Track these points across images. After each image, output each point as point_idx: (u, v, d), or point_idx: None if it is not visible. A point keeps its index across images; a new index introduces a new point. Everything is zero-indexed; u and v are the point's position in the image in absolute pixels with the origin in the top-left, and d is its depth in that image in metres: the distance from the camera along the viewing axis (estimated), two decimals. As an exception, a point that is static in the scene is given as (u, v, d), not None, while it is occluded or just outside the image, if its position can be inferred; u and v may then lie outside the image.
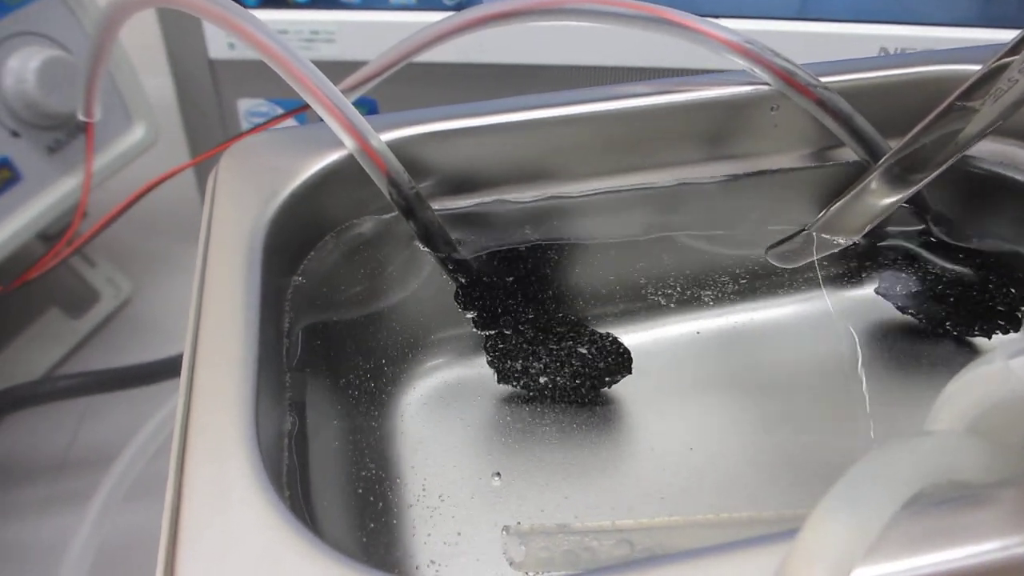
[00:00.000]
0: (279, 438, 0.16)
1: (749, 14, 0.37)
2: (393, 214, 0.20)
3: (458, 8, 0.38)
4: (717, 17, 0.37)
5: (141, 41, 0.41)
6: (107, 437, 0.37)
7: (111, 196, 0.37)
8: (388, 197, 0.20)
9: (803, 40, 0.37)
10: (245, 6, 0.39)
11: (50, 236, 0.38)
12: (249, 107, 0.42)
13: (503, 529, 0.17)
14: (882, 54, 0.36)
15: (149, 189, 0.28)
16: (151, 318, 0.44)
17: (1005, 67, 0.19)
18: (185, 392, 0.15)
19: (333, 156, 0.20)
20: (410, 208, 0.20)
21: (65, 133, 0.36)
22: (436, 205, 0.21)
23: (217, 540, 0.12)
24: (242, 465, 0.13)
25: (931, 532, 0.12)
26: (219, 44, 0.40)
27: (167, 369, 0.36)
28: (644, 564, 0.12)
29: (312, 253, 0.19)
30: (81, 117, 0.31)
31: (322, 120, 0.20)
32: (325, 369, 0.19)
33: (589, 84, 0.23)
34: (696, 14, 0.23)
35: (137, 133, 0.39)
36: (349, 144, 0.20)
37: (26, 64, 0.34)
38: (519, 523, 0.17)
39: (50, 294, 0.41)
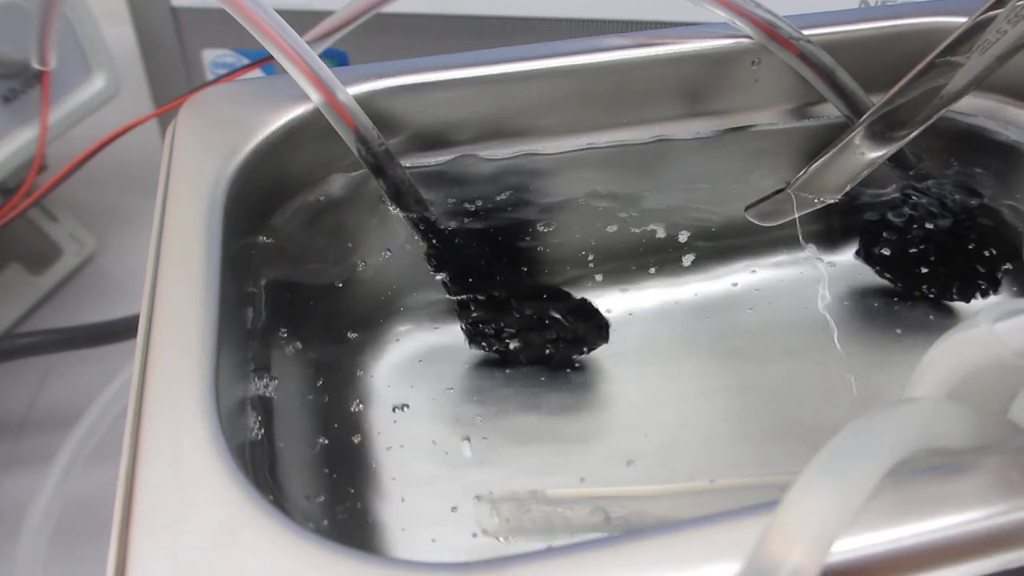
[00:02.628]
0: (242, 404, 0.15)
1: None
2: (362, 171, 0.19)
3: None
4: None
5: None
6: (70, 397, 0.36)
7: (72, 148, 0.36)
8: (356, 154, 0.19)
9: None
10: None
11: (8, 190, 0.37)
12: (214, 57, 0.40)
13: (475, 497, 0.17)
14: (864, 5, 0.35)
15: (110, 140, 0.27)
16: (115, 275, 0.42)
17: (992, 19, 0.18)
18: (141, 357, 0.14)
19: (299, 110, 0.19)
20: (379, 166, 0.19)
21: (20, 82, 0.35)
22: (407, 162, 0.20)
23: (172, 510, 0.12)
24: (200, 433, 0.13)
25: (913, 502, 0.12)
26: (182, -4, 0.38)
27: (132, 327, 0.36)
28: (619, 540, 0.11)
29: (277, 212, 0.19)
30: (35, 65, 0.30)
31: (287, 72, 0.19)
32: (291, 334, 0.18)
33: (568, 37, 0.22)
34: None
35: (97, 83, 0.37)
36: (315, 97, 0.19)
37: (-26, 9, 0.32)
38: (491, 492, 0.16)
39: (10, 249, 0.40)
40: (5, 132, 0.34)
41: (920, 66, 0.20)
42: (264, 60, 0.36)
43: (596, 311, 0.21)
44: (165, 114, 0.42)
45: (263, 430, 0.15)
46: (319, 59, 0.19)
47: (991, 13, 0.18)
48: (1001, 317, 0.13)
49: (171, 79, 0.41)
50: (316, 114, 0.19)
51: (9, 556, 0.29)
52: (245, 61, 0.40)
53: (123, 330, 0.36)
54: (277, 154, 0.19)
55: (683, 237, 0.23)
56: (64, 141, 0.37)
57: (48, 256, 0.41)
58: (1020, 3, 0.18)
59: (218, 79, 0.31)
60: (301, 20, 0.21)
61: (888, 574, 0.11)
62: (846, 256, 0.24)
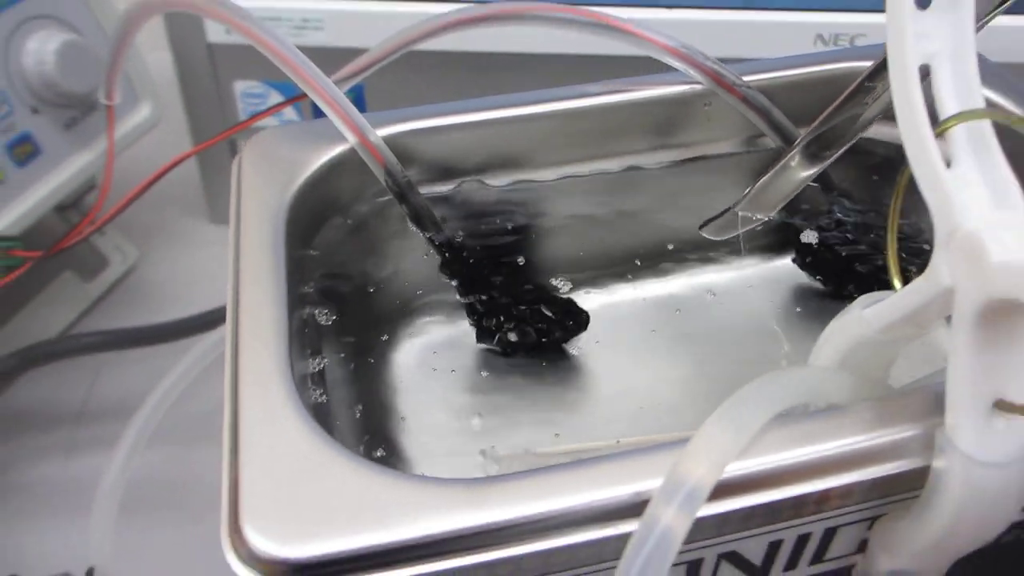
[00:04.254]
0: (304, 377, 0.20)
1: (700, 5, 0.41)
2: (388, 198, 0.24)
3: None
4: (671, 8, 0.41)
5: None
6: (120, 392, 0.41)
7: (118, 170, 0.41)
8: (384, 184, 0.24)
9: (748, 28, 0.41)
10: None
11: (64, 206, 0.42)
12: (244, 88, 0.45)
13: (480, 452, 0.22)
14: (818, 42, 0.40)
15: (168, 169, 0.31)
16: (156, 282, 0.47)
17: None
18: (232, 339, 0.19)
19: (338, 149, 0.24)
20: (402, 193, 0.24)
21: (80, 111, 0.40)
22: (423, 190, 0.25)
23: (268, 447, 0.16)
24: (283, 394, 0.17)
25: (797, 434, 0.17)
26: (217, 29, 0.43)
27: (175, 331, 0.40)
28: (584, 464, 0.16)
29: (323, 230, 0.23)
30: (103, 100, 0.35)
31: (325, 115, 0.24)
32: (335, 325, 0.23)
33: (560, 70, 0.26)
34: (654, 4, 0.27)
35: (144, 112, 0.42)
36: (351, 139, 0.23)
37: (45, 46, 0.37)
38: (493, 447, 0.21)
39: (64, 259, 0.45)
40: (66, 156, 0.39)
41: (839, 99, 0.24)
42: (295, 99, 0.41)
43: (579, 308, 0.25)
44: (200, 136, 0.47)
45: (324, 396, 0.19)
46: (353, 107, 0.24)
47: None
48: (868, 304, 0.18)
49: (206, 107, 0.46)
50: (352, 152, 0.24)
51: (83, 528, 0.33)
52: (272, 91, 0.45)
53: (167, 333, 0.41)
54: (322, 184, 0.23)
55: (651, 249, 0.28)
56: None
57: (97, 266, 0.46)
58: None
59: (255, 116, 0.36)
60: (323, 57, 0.25)
61: (773, 486, 0.16)
62: (786, 262, 0.28)
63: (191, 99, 0.46)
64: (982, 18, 0.20)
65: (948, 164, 0.16)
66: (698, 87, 0.26)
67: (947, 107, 0.17)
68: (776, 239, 0.28)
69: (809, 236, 0.26)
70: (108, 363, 0.42)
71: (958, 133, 0.16)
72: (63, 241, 0.34)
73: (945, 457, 0.16)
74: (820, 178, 0.25)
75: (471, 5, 0.26)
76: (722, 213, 0.26)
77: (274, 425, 0.17)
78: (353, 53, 0.27)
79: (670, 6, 0.41)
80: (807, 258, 0.27)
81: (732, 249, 0.28)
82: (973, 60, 0.17)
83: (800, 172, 0.24)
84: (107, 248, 0.46)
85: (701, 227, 0.26)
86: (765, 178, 0.25)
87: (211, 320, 0.41)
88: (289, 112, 0.44)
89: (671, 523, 0.15)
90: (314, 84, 0.23)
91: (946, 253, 0.15)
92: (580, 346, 0.26)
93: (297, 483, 0.16)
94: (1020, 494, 0.16)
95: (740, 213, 0.25)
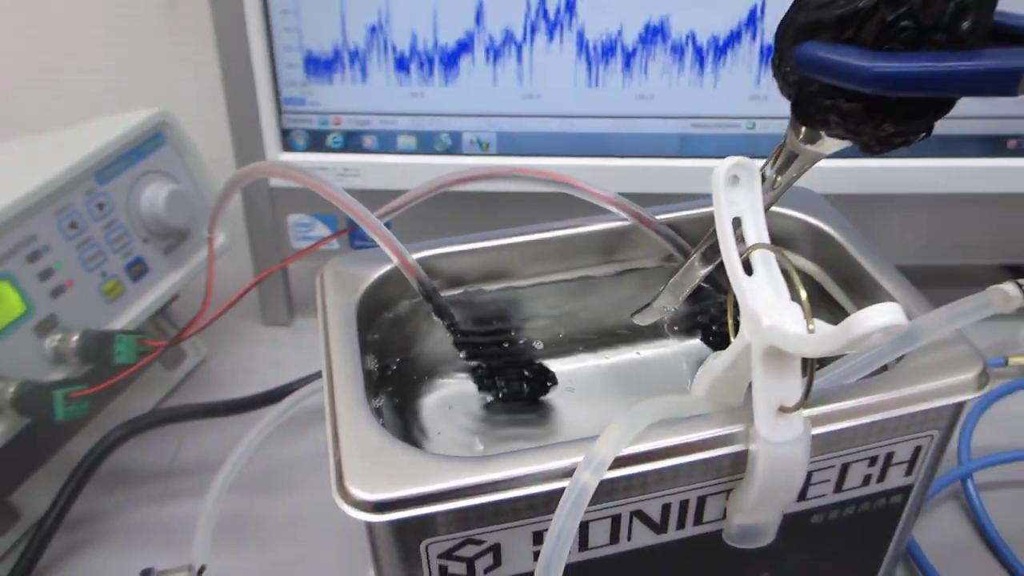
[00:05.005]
0: (373, 412, 0.31)
1: (644, 154, 0.54)
2: (419, 299, 0.36)
3: (450, 150, 0.55)
4: (623, 157, 0.54)
5: (219, 165, 0.56)
6: (201, 452, 0.52)
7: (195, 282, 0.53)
8: (417, 290, 0.36)
9: (680, 171, 0.54)
10: (295, 149, 0.55)
11: (156, 312, 0.54)
12: (295, 219, 0.58)
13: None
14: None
15: (253, 285, 0.44)
16: (221, 373, 0.59)
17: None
18: (328, 384, 0.30)
19: (385, 268, 0.36)
20: (429, 296, 0.36)
21: (175, 240, 0.52)
22: (443, 293, 0.37)
23: (354, 442, 0.28)
24: (362, 413, 0.29)
25: (666, 430, 0.28)
26: (279, 180, 0.56)
27: (243, 405, 0.52)
28: (549, 447, 0.27)
29: (378, 320, 0.35)
30: (205, 234, 0.47)
31: (375, 245, 0.36)
32: (387, 382, 0.34)
33: (535, 206, 0.39)
34: (605, 155, 0.40)
35: (220, 239, 0.55)
36: (395, 260, 0.36)
37: (157, 194, 0.50)
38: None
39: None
40: (165, 274, 0.52)
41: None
42: (340, 233, 0.54)
43: (549, 371, 0.37)
44: (259, 256, 0.60)
45: (382, 420, 0.31)
46: (396, 238, 0.36)
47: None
48: (716, 355, 0.30)
49: (264, 234, 0.59)
50: (395, 269, 0.36)
51: (186, 555, 0.43)
52: (317, 222, 0.58)
53: (236, 406, 0.52)
54: (376, 291, 0.36)
55: (602, 331, 0.40)
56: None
57: (177, 359, 0.58)
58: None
59: (312, 246, 0.48)
60: (361, 196, 0.37)
61: (648, 461, 0.27)
62: (696, 340, 0.40)
63: (254, 229, 0.59)
64: (787, 182, 0.32)
65: (750, 273, 0.28)
66: (628, 222, 0.39)
67: (749, 241, 0.29)
68: (687, 324, 0.40)
69: (704, 319, 0.38)
70: (189, 431, 0.53)
71: (755, 255, 0.28)
72: (182, 333, 0.45)
73: (755, 442, 0.28)
74: (710, 279, 0.37)
75: (473, 165, 0.39)
76: (645, 305, 0.37)
77: (357, 428, 0.28)
78: (382, 194, 0.39)
79: (621, 155, 0.54)
80: (708, 336, 0.39)
81: (658, 332, 0.40)
82: (761, 214, 0.29)
83: (696, 273, 0.36)
84: (185, 344, 0.58)
85: (632, 315, 0.38)
86: (672, 279, 0.37)
87: (270, 397, 0.52)
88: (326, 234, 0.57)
89: (586, 481, 0.26)
90: (370, 224, 0.35)
91: (746, 323, 0.27)
92: (551, 395, 0.37)
93: (372, 459, 0.27)
94: (800, 461, 0.28)
95: (656, 304, 0.37)
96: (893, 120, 0.27)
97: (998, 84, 0.25)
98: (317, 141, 0.56)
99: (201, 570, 0.39)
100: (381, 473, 0.27)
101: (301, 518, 0.47)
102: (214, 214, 0.44)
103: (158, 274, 0.51)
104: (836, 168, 0.54)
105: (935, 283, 0.44)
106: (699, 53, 0.52)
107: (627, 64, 0.52)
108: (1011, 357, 0.56)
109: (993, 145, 0.56)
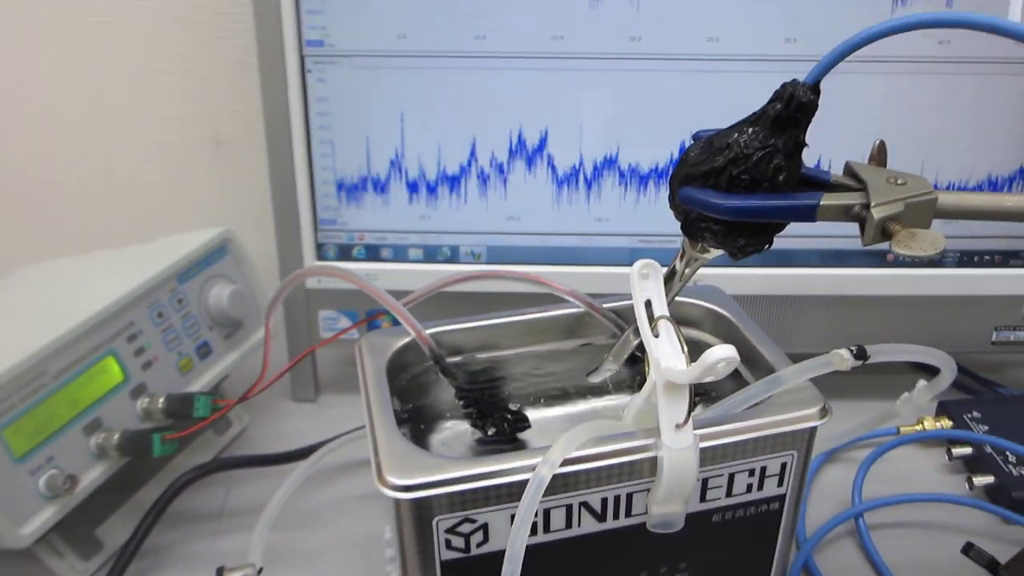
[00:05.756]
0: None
1: (601, 263, 0.69)
2: (430, 362, 0.50)
3: (449, 259, 0.70)
4: (585, 265, 0.69)
5: (265, 270, 0.71)
6: (243, 499, 0.64)
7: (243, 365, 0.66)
8: (428, 356, 0.49)
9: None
10: (326, 259, 0.70)
11: (210, 391, 0.66)
12: (325, 314, 0.72)
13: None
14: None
15: (295, 364, 0.57)
16: (259, 437, 0.71)
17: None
18: (368, 416, 0.44)
19: (406, 339, 0.50)
20: (437, 360, 0.49)
21: (232, 328, 0.66)
22: (448, 359, 0.50)
23: (388, 451, 0.41)
24: (394, 434, 0.42)
25: (608, 440, 0.41)
26: (313, 280, 0.70)
27: (280, 459, 0.64)
28: (520, 452, 0.41)
29: (400, 377, 0.49)
30: (263, 324, 0.61)
31: (399, 323, 0.50)
32: (406, 421, 0.47)
33: (517, 297, 0.53)
34: (571, 264, 0.55)
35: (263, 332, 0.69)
36: (413, 335, 0.49)
37: (221, 293, 0.64)
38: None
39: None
40: (224, 355, 0.65)
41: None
42: (359, 324, 0.68)
43: (524, 416, 0.50)
44: (294, 343, 0.72)
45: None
46: (415, 319, 0.50)
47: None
48: (637, 393, 0.43)
49: (299, 325, 0.72)
50: (413, 341, 0.50)
51: None
52: (341, 316, 0.72)
53: (275, 459, 0.64)
54: (399, 356, 0.49)
55: (563, 387, 0.53)
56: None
57: (224, 426, 0.70)
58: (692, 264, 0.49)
59: (338, 333, 0.62)
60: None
61: (589, 461, 0.40)
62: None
63: (290, 321, 0.73)
64: (687, 277, 0.46)
65: (657, 336, 0.42)
66: (584, 310, 0.53)
67: (657, 313, 0.43)
68: (626, 382, 0.54)
69: (638, 376, 0.52)
70: (235, 481, 0.65)
71: (660, 324, 0.42)
72: (246, 395, 0.58)
73: (661, 449, 0.41)
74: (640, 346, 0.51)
75: (468, 269, 0.53)
76: (596, 368, 0.51)
77: (389, 440, 0.41)
78: (396, 293, 0.53)
79: (584, 264, 0.69)
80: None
81: (605, 388, 0.53)
82: (663, 297, 0.43)
83: (630, 345, 0.50)
84: (230, 415, 0.71)
85: (586, 376, 0.51)
86: (614, 349, 0.51)
87: (302, 453, 0.65)
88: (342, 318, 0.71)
89: (544, 473, 0.39)
90: (397, 309, 0.49)
91: (653, 368, 0.41)
92: (525, 435, 0.50)
93: (399, 459, 0.40)
94: (692, 462, 0.41)
95: (603, 368, 0.51)
96: (744, 236, 0.41)
97: (802, 215, 0.40)
98: (344, 252, 0.70)
99: (260, 570, 0.51)
100: (405, 467, 0.40)
101: (330, 546, 0.59)
102: (271, 306, 0.58)
103: (219, 355, 0.65)
104: (753, 275, 0.68)
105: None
106: (642, 181, 0.67)
107: (588, 188, 0.68)
108: (902, 427, 0.70)
109: (877, 258, 0.71)
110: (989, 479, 0.64)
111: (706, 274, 0.58)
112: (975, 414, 0.70)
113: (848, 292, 0.71)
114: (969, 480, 0.64)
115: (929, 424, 0.70)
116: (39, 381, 0.52)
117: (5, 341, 0.54)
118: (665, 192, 0.42)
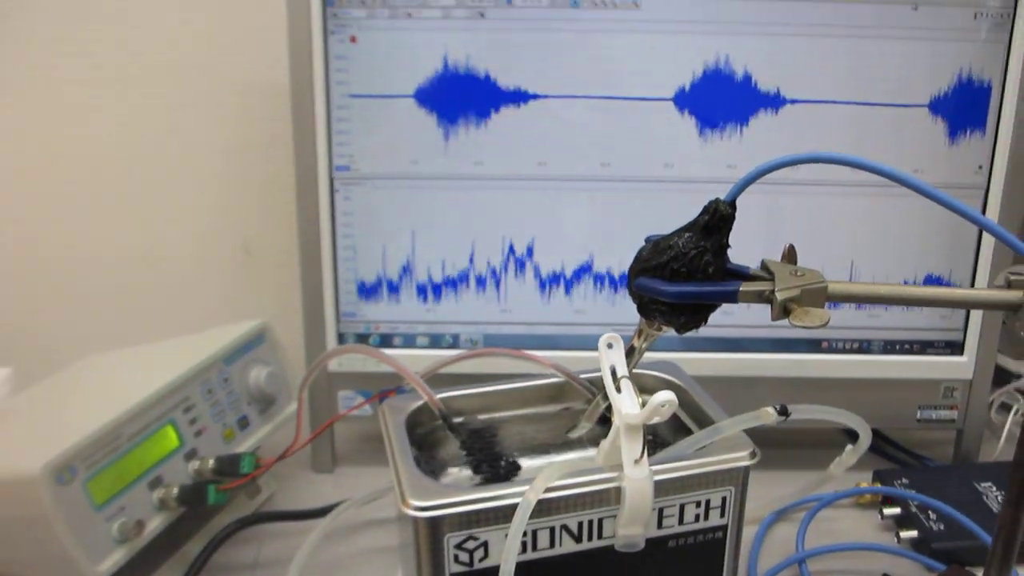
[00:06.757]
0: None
1: (577, 348, 0.82)
2: (439, 421, 0.61)
3: (451, 345, 0.82)
4: (567, 350, 0.82)
5: (294, 356, 0.83)
6: (274, 553, 0.74)
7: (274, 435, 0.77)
8: (438, 415, 0.61)
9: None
10: (344, 341, 0.83)
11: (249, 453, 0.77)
12: (344, 393, 0.84)
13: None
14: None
15: (318, 434, 0.69)
16: (283, 503, 0.82)
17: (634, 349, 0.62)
18: (392, 462, 0.55)
19: (420, 402, 0.62)
20: (445, 419, 0.61)
21: (266, 404, 0.78)
22: (454, 418, 0.62)
23: (408, 480, 0.52)
24: (413, 469, 0.53)
25: (577, 474, 0.52)
26: (335, 363, 0.83)
27: (304, 515, 0.75)
28: (499, 484, 0.52)
29: (415, 432, 0.60)
30: (295, 398, 0.72)
31: (413, 390, 0.62)
32: (420, 467, 0.59)
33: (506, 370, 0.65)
34: (555, 348, 0.68)
35: (294, 405, 0.80)
36: (425, 398, 0.61)
37: (260, 374, 0.76)
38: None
39: (240, 489, 0.79)
40: (260, 427, 0.76)
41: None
42: (375, 398, 0.79)
43: (517, 464, 0.61)
44: (316, 417, 0.84)
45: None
46: (428, 387, 0.62)
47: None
48: (606, 439, 0.55)
49: (320, 403, 0.84)
50: (425, 405, 0.61)
51: None
52: (358, 396, 0.84)
53: (301, 515, 0.75)
54: (414, 416, 0.61)
55: (548, 442, 0.65)
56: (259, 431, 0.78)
57: (255, 491, 0.81)
58: (648, 337, 0.62)
59: (355, 406, 0.74)
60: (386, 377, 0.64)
61: (567, 489, 0.52)
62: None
63: (314, 400, 0.84)
64: (643, 350, 0.59)
65: (620, 391, 0.54)
66: (564, 380, 0.65)
67: (619, 374, 0.55)
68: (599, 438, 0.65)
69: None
70: (266, 537, 0.75)
71: (622, 382, 0.54)
72: (284, 454, 0.69)
73: (624, 480, 0.52)
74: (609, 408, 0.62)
75: (467, 351, 0.66)
76: (574, 426, 0.63)
77: (409, 473, 0.53)
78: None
79: (566, 349, 0.82)
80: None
81: (583, 443, 0.65)
82: (624, 362, 0.55)
83: (600, 407, 0.62)
84: (261, 481, 0.81)
85: (566, 433, 0.63)
86: (588, 411, 0.62)
87: (322, 511, 0.75)
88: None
89: (531, 497, 0.50)
90: (414, 379, 0.61)
91: (616, 416, 0.53)
92: (517, 477, 0.62)
93: (417, 487, 0.52)
94: (648, 491, 0.52)
95: (580, 426, 0.62)
96: (685, 315, 0.54)
97: (727, 298, 0.52)
98: (362, 340, 0.83)
99: (296, 599, 0.61)
100: (422, 493, 0.51)
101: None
102: (306, 378, 0.70)
103: (256, 426, 0.76)
104: (710, 359, 0.81)
105: (786, 441, 0.72)
106: (613, 282, 0.81)
107: (568, 288, 0.81)
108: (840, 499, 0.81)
109: (814, 345, 0.84)
110: (913, 533, 0.74)
111: (671, 357, 0.70)
112: (904, 480, 0.81)
113: (790, 374, 0.83)
114: (897, 534, 0.75)
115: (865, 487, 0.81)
116: (115, 443, 0.63)
117: (89, 411, 0.65)
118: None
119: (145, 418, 0.66)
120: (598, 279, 0.81)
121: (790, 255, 0.56)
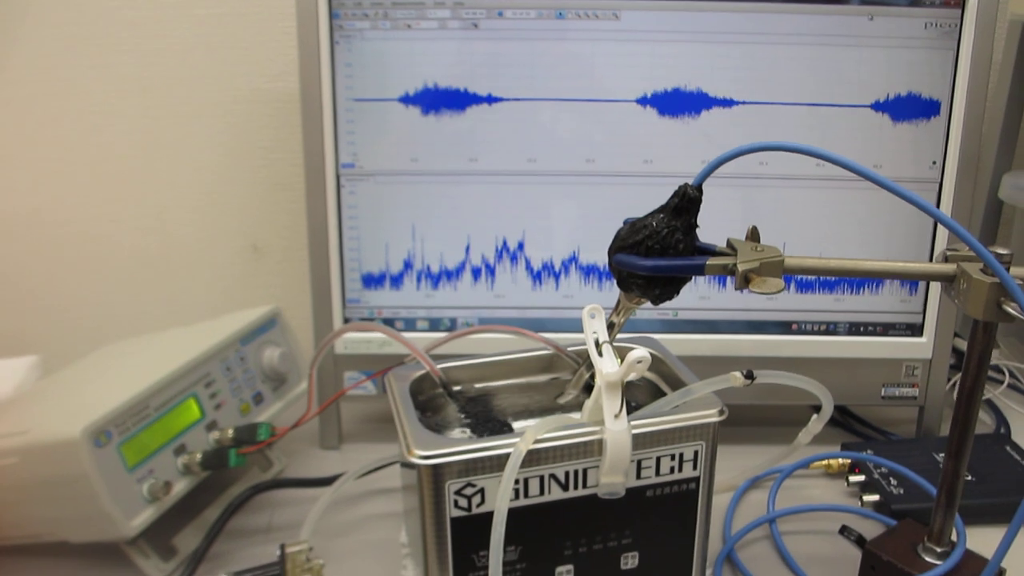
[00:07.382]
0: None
1: (568, 330, 0.88)
2: (440, 389, 0.68)
3: (449, 328, 0.89)
4: (556, 332, 0.88)
5: (304, 338, 0.89)
6: (286, 519, 0.80)
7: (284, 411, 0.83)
8: (438, 383, 0.67)
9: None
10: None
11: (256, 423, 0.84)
12: (349, 374, 0.90)
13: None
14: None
15: (325, 407, 0.75)
16: (294, 476, 0.88)
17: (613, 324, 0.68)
18: (397, 417, 0.61)
19: (422, 372, 0.68)
20: (444, 386, 0.67)
21: (279, 382, 0.84)
22: (453, 387, 0.68)
23: (415, 436, 0.58)
24: (416, 423, 0.60)
25: (563, 427, 0.59)
26: (340, 346, 0.89)
27: (312, 482, 0.81)
28: (493, 436, 0.58)
29: (419, 398, 0.67)
30: (307, 376, 0.79)
31: (417, 361, 0.69)
32: (426, 424, 0.65)
33: (503, 343, 0.72)
34: (544, 331, 0.74)
35: (304, 383, 0.87)
36: (427, 367, 0.68)
37: (273, 354, 0.82)
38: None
39: (253, 459, 0.86)
40: (273, 403, 0.83)
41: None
42: (378, 374, 0.86)
43: (510, 425, 0.68)
44: (323, 396, 0.90)
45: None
46: (429, 358, 0.68)
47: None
48: (591, 397, 0.61)
49: (328, 382, 0.90)
50: (428, 373, 0.68)
51: None
52: (361, 375, 0.90)
53: (309, 482, 0.81)
54: (417, 384, 0.67)
55: (539, 407, 0.71)
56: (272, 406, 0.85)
57: (267, 464, 0.87)
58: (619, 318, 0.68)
59: (354, 383, 0.81)
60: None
61: (555, 441, 0.58)
62: (592, 419, 0.72)
63: (322, 379, 0.91)
64: (622, 321, 0.65)
65: (601, 355, 0.61)
66: (553, 352, 0.71)
67: (601, 340, 0.62)
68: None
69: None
70: (278, 504, 0.81)
71: (603, 347, 0.61)
72: (297, 423, 0.75)
73: (605, 432, 0.59)
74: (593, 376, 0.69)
75: (465, 329, 0.72)
76: (562, 393, 0.69)
77: (413, 427, 0.59)
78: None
79: (555, 331, 0.88)
80: (597, 414, 0.71)
81: (569, 409, 0.71)
82: (605, 331, 0.62)
83: (585, 375, 0.68)
84: (273, 456, 0.88)
85: (555, 399, 0.69)
86: (574, 379, 0.69)
87: (328, 480, 0.81)
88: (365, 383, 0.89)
89: (521, 448, 0.57)
90: (418, 352, 0.68)
91: (598, 376, 0.59)
92: (511, 443, 0.68)
93: (420, 439, 0.58)
94: (627, 442, 0.58)
95: (566, 394, 0.69)
96: (659, 287, 0.61)
97: (695, 271, 0.59)
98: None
99: (310, 548, 0.67)
100: (425, 443, 0.57)
101: (356, 548, 0.75)
102: (317, 355, 0.77)
103: (269, 402, 0.82)
104: (689, 339, 0.88)
105: (760, 419, 0.79)
106: (599, 273, 0.88)
107: (556, 278, 0.88)
108: (812, 464, 0.88)
109: (785, 327, 0.91)
110: (876, 497, 0.81)
111: (654, 336, 0.77)
112: (869, 451, 0.88)
113: (763, 354, 0.90)
114: (860, 498, 0.81)
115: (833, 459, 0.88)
116: (144, 412, 0.70)
117: (120, 384, 0.71)
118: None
119: (170, 391, 0.72)
120: (589, 270, 0.88)
121: (753, 234, 0.63)
